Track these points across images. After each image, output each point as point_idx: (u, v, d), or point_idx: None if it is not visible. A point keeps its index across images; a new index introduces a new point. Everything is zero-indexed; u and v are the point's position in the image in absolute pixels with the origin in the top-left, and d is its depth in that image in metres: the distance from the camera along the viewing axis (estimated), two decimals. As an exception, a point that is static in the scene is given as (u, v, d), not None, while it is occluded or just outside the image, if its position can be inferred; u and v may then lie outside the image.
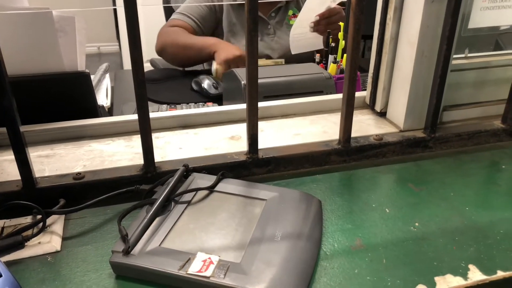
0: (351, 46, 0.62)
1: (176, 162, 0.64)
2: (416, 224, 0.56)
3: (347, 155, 0.69)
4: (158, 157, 0.66)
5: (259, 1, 0.56)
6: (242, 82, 0.95)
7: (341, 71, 1.05)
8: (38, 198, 0.56)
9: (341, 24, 1.07)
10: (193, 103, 1.22)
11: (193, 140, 0.72)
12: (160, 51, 1.56)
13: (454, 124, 0.76)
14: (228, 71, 1.06)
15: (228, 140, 0.72)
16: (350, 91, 0.65)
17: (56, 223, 0.55)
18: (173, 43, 1.51)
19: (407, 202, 0.60)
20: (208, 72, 1.50)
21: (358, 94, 0.83)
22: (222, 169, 0.63)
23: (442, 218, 0.57)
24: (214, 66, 1.41)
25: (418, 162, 0.71)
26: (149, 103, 1.29)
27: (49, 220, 0.54)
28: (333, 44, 1.06)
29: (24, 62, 0.74)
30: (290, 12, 1.68)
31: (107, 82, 1.44)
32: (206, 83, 1.36)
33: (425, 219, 0.57)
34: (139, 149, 0.60)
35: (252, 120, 0.63)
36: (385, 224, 0.55)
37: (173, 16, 1.60)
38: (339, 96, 0.83)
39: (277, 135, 0.74)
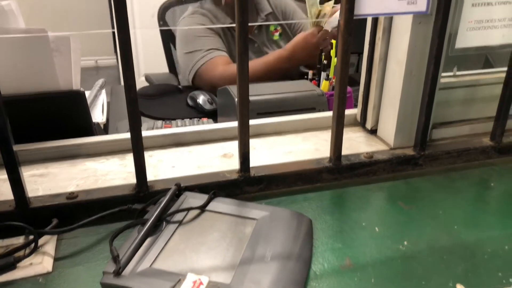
0: (340, 66, 0.63)
1: (168, 181, 0.64)
2: (405, 242, 0.56)
3: (338, 173, 0.70)
4: (151, 175, 0.67)
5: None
6: (236, 99, 0.96)
7: (333, 88, 1.07)
8: (31, 218, 0.56)
9: (333, 41, 1.09)
10: (188, 119, 1.23)
11: (186, 158, 0.73)
12: (223, 82, 1.43)
13: (443, 142, 0.77)
14: (222, 88, 1.08)
15: (221, 158, 0.73)
16: (340, 110, 0.66)
17: (48, 243, 0.55)
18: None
19: (397, 221, 0.61)
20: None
21: (349, 111, 0.84)
22: (214, 187, 0.64)
23: (431, 236, 0.57)
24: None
25: (408, 180, 0.72)
26: (144, 118, 1.30)
27: (41, 240, 0.55)
28: (325, 62, 1.08)
29: (19, 82, 0.75)
30: (272, 27, 1.68)
31: (103, 98, 1.45)
32: (201, 98, 1.38)
33: (414, 237, 0.57)
34: (133, 168, 0.61)
35: (244, 138, 0.64)
36: (374, 243, 0.56)
37: (208, 56, 1.51)
38: (331, 113, 0.85)
39: (269, 152, 0.75)
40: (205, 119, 1.23)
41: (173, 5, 1.94)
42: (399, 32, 0.70)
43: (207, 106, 1.34)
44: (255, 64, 1.48)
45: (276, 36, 1.71)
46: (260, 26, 1.66)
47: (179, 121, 1.21)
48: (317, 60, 1.15)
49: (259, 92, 1.02)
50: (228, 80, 1.44)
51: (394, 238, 0.57)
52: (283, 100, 0.97)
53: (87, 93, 1.50)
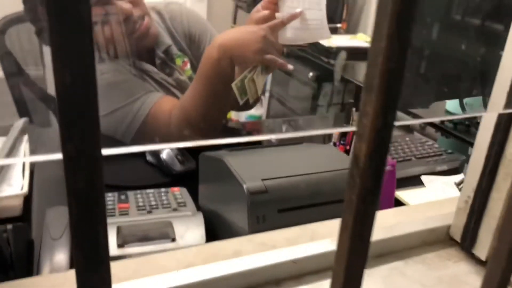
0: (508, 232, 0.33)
1: None
2: None
3: None
4: None
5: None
6: (245, 186, 0.63)
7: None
8: None
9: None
10: (152, 190, 0.87)
11: None
12: (181, 127, 1.05)
13: None
14: (213, 157, 0.73)
15: None
16: None
17: None
18: (192, 109, 1.01)
19: None
20: None
21: (430, 216, 0.53)
22: None
23: None
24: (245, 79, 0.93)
25: None
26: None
27: None
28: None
29: None
30: (178, 61, 1.25)
31: (24, 150, 1.04)
32: (166, 153, 1.02)
33: None
34: None
35: None
36: None
37: (149, 103, 1.07)
38: (416, 227, 0.53)
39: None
40: (176, 190, 0.87)
41: (21, 21, 1.36)
42: None
43: (177, 167, 0.98)
44: (185, 100, 1.04)
45: (188, 71, 1.27)
46: (163, 63, 1.21)
47: (139, 195, 0.85)
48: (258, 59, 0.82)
49: (272, 166, 0.69)
50: (191, 126, 1.03)
51: None
52: (317, 185, 0.65)
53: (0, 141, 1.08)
